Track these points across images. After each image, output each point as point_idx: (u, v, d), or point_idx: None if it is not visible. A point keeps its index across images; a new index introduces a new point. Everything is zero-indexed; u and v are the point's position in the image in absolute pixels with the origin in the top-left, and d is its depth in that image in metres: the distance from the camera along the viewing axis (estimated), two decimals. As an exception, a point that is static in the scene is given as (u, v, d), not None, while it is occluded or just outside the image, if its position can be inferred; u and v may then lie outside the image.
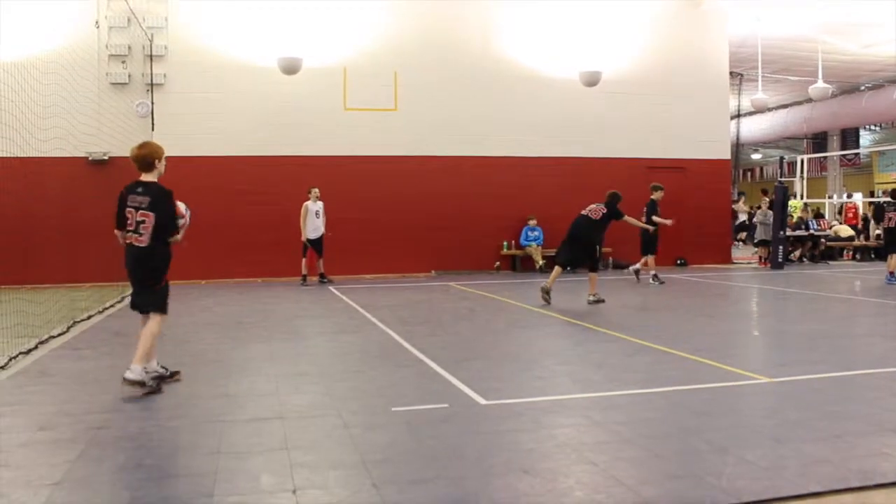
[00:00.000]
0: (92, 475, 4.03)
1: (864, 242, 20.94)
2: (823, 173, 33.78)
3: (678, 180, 15.48)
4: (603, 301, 10.91)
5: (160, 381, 5.95)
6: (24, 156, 8.94)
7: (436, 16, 16.75)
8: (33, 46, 13.09)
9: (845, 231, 21.54)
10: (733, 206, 26.23)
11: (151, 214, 5.75)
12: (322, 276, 14.71)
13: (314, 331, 9.32)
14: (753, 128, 31.99)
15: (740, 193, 33.12)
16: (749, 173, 40.84)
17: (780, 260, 17.84)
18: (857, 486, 3.71)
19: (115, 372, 6.64)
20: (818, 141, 34.20)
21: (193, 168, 14.22)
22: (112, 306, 11.20)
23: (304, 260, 14.58)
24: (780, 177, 20.17)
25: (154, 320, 5.90)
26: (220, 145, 15.37)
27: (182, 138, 14.46)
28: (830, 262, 19.79)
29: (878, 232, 18.62)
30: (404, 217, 16.45)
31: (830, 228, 21.66)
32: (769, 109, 29.77)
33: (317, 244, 14.57)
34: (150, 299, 5.92)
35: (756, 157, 39.67)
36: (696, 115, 18.15)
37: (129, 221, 5.81)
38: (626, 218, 11.54)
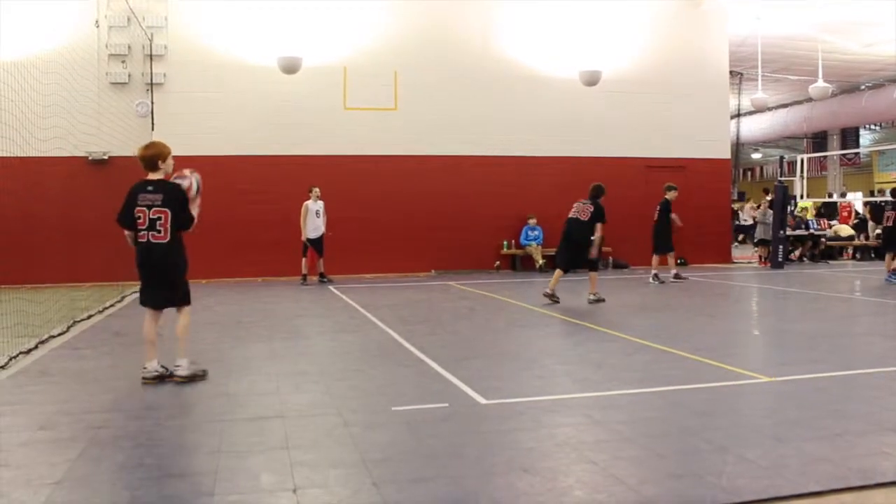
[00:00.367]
0: (92, 474, 4.03)
1: (864, 242, 20.93)
2: (823, 173, 33.78)
3: (678, 180, 15.45)
4: (603, 300, 10.91)
5: (162, 379, 6.05)
6: (24, 155, 8.94)
7: (436, 15, 16.76)
8: (33, 46, 13.09)
9: (845, 230, 21.54)
10: (738, 209, 26.23)
11: (167, 211, 5.89)
12: (322, 275, 14.71)
13: (314, 330, 9.32)
14: (753, 127, 31.99)
15: (741, 194, 33.16)
16: (749, 173, 40.85)
17: (780, 259, 17.84)
18: (858, 486, 3.71)
19: (115, 371, 6.67)
20: (818, 140, 34.20)
21: (193, 167, 14.18)
22: (112, 306, 11.21)
23: (304, 259, 14.59)
24: (780, 176, 20.13)
25: (184, 313, 6.15)
26: (220, 145, 15.37)
27: (182, 138, 14.36)
28: (830, 262, 19.79)
29: (878, 231, 18.62)
30: (404, 216, 16.46)
31: (830, 228, 21.66)
32: (769, 109, 29.77)
33: (317, 244, 14.57)
34: (176, 294, 6.12)
35: (756, 156, 39.67)
36: (697, 115, 18.15)
37: (140, 221, 5.91)
38: (600, 226, 10.99)
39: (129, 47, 15.20)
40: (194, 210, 6.06)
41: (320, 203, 14.58)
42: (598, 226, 11.01)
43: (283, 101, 15.80)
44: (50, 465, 4.15)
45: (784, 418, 4.93)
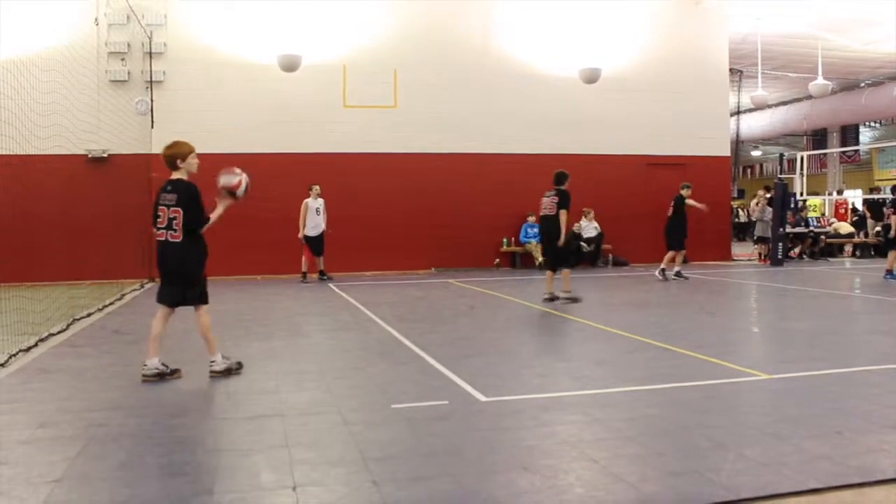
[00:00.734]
0: (92, 472, 4.04)
1: (863, 239, 20.94)
2: (823, 170, 33.76)
3: (678, 177, 15.47)
4: (577, 300, 10.59)
5: (162, 377, 6.08)
6: (24, 153, 8.94)
7: (435, 13, 16.74)
8: (33, 44, 13.05)
9: (845, 228, 21.53)
10: (748, 208, 26.08)
11: (180, 210, 6.00)
12: (322, 273, 14.71)
13: (314, 328, 9.31)
14: (753, 124, 31.97)
15: (740, 191, 33.13)
16: (749, 170, 40.83)
17: (779, 257, 17.84)
18: (857, 483, 3.72)
19: (115, 369, 6.67)
20: (818, 138, 34.19)
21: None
22: (112, 304, 11.20)
23: (304, 257, 14.59)
24: (780, 173, 20.12)
25: (202, 313, 6.21)
26: (219, 142, 15.28)
27: (181, 135, 14.04)
28: (830, 259, 19.79)
29: (877, 229, 18.62)
30: (404, 214, 16.46)
31: (830, 225, 21.66)
32: (769, 106, 29.78)
33: (317, 241, 14.56)
34: (192, 293, 6.16)
35: (756, 153, 39.67)
36: (696, 112, 18.15)
37: (160, 220, 6.06)
38: (563, 213, 10.48)
39: (129, 45, 15.20)
40: (218, 210, 6.18)
41: (320, 201, 14.58)
42: (562, 212, 10.47)
43: (282, 99, 15.79)
44: (50, 463, 4.15)
45: (783, 416, 4.93)
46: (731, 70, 20.49)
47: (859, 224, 21.93)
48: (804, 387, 5.71)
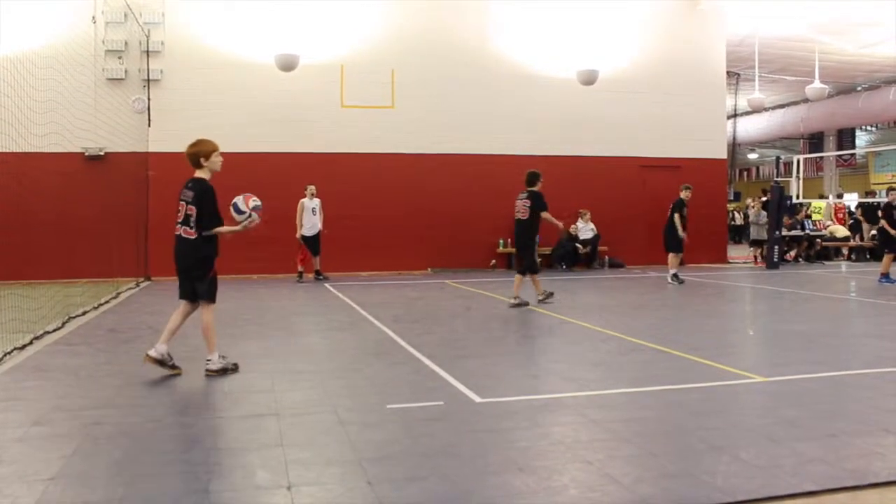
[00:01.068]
0: (87, 470, 4.03)
1: (859, 243, 20.98)
2: (820, 173, 33.85)
3: (674, 179, 15.49)
4: (526, 304, 10.50)
5: (167, 366, 6.24)
6: (20, 151, 8.91)
7: (433, 14, 16.75)
8: (29, 41, 13.03)
9: (841, 231, 21.57)
10: (746, 210, 26.11)
11: (194, 208, 6.11)
12: (318, 273, 14.70)
13: (310, 328, 9.31)
14: (750, 127, 32.04)
15: (737, 194, 33.16)
16: (745, 173, 40.94)
17: (775, 260, 17.87)
18: (852, 486, 3.73)
19: (110, 368, 6.66)
20: (814, 141, 34.29)
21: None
22: (107, 302, 11.18)
23: (299, 257, 14.59)
24: (777, 177, 20.12)
25: (206, 310, 6.27)
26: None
27: (178, 134, 14.27)
28: (826, 262, 19.83)
29: (872, 232, 18.66)
30: (401, 214, 16.46)
31: (826, 229, 21.69)
32: (766, 109, 29.84)
33: (313, 241, 14.56)
34: (200, 289, 6.25)
35: (752, 156, 39.75)
36: (693, 115, 18.18)
37: (179, 215, 6.21)
38: (546, 215, 10.65)
39: (126, 43, 15.17)
40: (231, 227, 6.23)
41: (316, 201, 14.58)
42: (543, 214, 10.57)
43: (280, 99, 15.78)
44: (45, 461, 4.14)
45: (779, 418, 4.93)
46: (728, 73, 20.54)
47: (855, 227, 21.96)
48: (799, 390, 5.71)
